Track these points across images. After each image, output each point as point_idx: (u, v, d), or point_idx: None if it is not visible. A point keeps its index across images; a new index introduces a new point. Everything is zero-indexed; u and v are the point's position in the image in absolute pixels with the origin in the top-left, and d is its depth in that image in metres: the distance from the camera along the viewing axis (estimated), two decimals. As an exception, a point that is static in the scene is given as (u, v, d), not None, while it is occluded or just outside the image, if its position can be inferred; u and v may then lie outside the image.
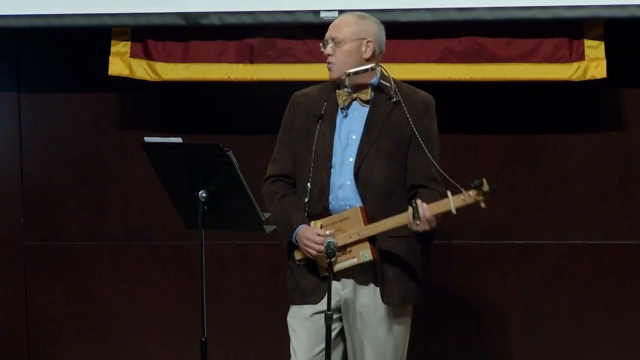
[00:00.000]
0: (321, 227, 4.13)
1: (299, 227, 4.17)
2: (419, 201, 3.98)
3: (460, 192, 3.94)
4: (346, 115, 4.21)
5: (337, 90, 4.20)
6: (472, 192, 3.94)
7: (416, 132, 4.11)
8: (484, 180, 3.93)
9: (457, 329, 5.47)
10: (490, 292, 5.44)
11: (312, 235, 4.12)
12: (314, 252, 4.13)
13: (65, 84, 5.59)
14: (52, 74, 5.60)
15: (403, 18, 5.04)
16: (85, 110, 5.60)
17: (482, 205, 3.96)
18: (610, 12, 4.95)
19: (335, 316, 4.16)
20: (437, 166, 4.14)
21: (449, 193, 3.96)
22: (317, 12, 5.06)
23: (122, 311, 5.63)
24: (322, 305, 4.13)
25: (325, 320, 4.00)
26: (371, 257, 4.10)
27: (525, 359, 5.44)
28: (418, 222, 3.98)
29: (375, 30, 4.21)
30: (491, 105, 5.38)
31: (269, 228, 4.16)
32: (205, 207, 4.04)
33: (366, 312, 4.19)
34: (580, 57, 5.07)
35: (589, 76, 5.07)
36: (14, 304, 5.68)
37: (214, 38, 5.25)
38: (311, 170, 4.18)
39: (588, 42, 5.07)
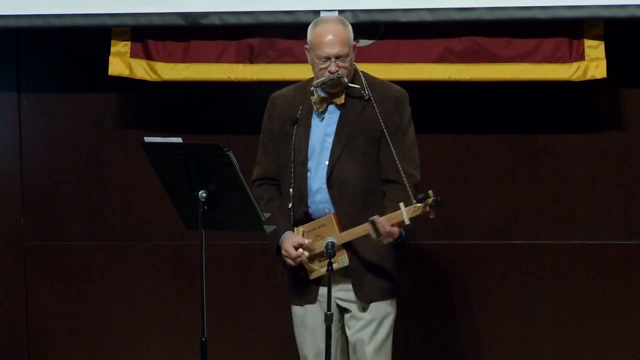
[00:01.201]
0: (303, 234, 4.19)
1: (282, 235, 4.23)
2: (376, 217, 4.05)
3: (411, 203, 4.03)
4: (322, 119, 4.23)
5: (311, 97, 4.22)
6: (419, 204, 4.02)
7: (385, 130, 4.15)
8: (430, 193, 4.01)
9: (457, 329, 5.46)
10: (490, 292, 5.44)
11: (289, 247, 4.19)
12: (290, 263, 4.21)
13: (65, 84, 5.59)
14: (52, 74, 5.60)
15: (403, 18, 5.04)
16: (85, 110, 5.59)
17: (431, 216, 4.05)
18: (610, 12, 4.95)
19: (336, 318, 4.24)
20: (412, 157, 4.21)
21: (401, 205, 4.04)
22: (317, 12, 5.06)
23: (122, 311, 5.63)
24: (319, 305, 4.22)
25: (325, 321, 4.03)
26: (347, 263, 4.18)
27: (525, 359, 5.44)
28: (381, 237, 4.04)
29: (352, 31, 4.25)
30: (491, 105, 5.38)
31: (269, 228, 4.17)
32: (205, 207, 4.04)
33: (352, 309, 4.26)
34: (580, 57, 5.07)
35: (589, 76, 5.07)
36: (14, 304, 5.68)
37: (214, 38, 5.25)
38: (292, 174, 4.20)
39: (588, 42, 5.06)
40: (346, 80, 4.19)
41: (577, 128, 5.35)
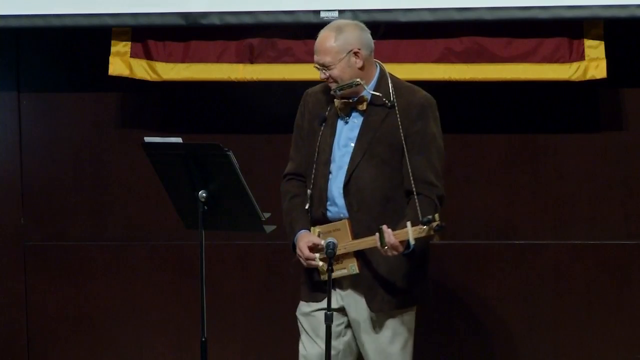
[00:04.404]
0: (319, 234, 4.15)
1: (298, 233, 4.19)
2: (384, 227, 4.00)
3: (418, 224, 3.96)
4: (347, 122, 4.21)
5: (335, 100, 4.19)
6: (424, 227, 3.96)
7: (403, 138, 4.08)
8: (436, 217, 3.93)
9: (457, 329, 5.46)
10: (490, 292, 5.44)
11: (303, 247, 4.14)
12: (302, 263, 4.17)
13: (65, 84, 5.59)
14: (52, 74, 5.60)
15: (403, 18, 5.04)
16: (85, 110, 5.59)
17: (436, 239, 4.00)
18: (610, 12, 4.95)
19: (341, 320, 4.23)
20: (436, 167, 4.12)
21: (408, 224, 3.96)
22: (317, 12, 5.06)
23: (122, 311, 5.63)
24: (325, 303, 4.15)
25: (325, 321, 4.02)
26: (357, 271, 4.13)
27: (525, 359, 5.44)
28: (386, 247, 4.01)
29: (357, 35, 4.15)
30: (491, 105, 5.38)
31: (269, 228, 4.16)
32: (205, 207, 4.04)
33: (364, 320, 4.21)
34: (580, 57, 5.07)
35: (589, 76, 5.07)
36: (14, 304, 5.68)
37: (214, 38, 5.25)
38: (313, 174, 4.19)
39: (588, 42, 5.06)
40: (345, 86, 4.15)
41: (577, 128, 5.35)
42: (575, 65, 5.07)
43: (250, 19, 5.13)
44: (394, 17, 5.04)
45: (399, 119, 4.11)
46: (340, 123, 4.21)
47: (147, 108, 5.57)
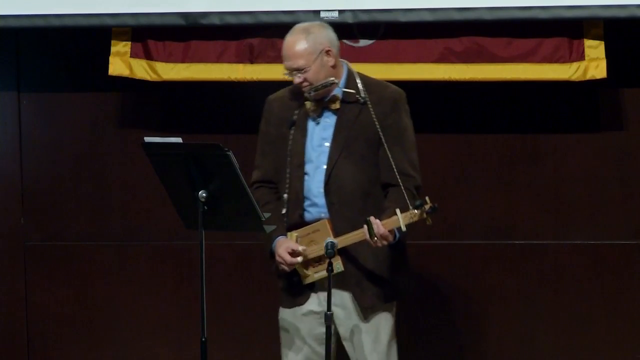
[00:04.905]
0: (297, 239, 4.17)
1: (276, 239, 4.21)
2: (372, 218, 4.03)
3: (408, 209, 4.01)
4: (318, 123, 4.22)
5: (305, 102, 4.20)
6: (416, 211, 4.00)
7: (380, 132, 4.12)
8: (427, 199, 3.99)
9: (457, 329, 5.46)
10: (490, 292, 5.44)
11: (284, 253, 4.17)
12: (285, 269, 4.20)
13: (65, 84, 5.59)
14: (52, 74, 5.60)
15: (403, 18, 5.04)
16: (85, 110, 5.59)
17: (428, 222, 4.03)
18: (610, 12, 4.95)
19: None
20: (411, 159, 4.18)
21: (397, 211, 4.01)
22: (317, 12, 5.06)
23: (122, 311, 5.63)
24: (309, 305, 4.23)
25: (326, 321, 4.03)
26: (342, 269, 4.14)
27: (525, 359, 5.44)
28: (375, 238, 4.03)
29: (325, 34, 4.18)
30: (491, 105, 5.38)
31: (269, 228, 4.16)
32: (205, 207, 4.04)
33: (350, 317, 4.23)
34: (580, 57, 5.07)
35: (589, 76, 5.07)
36: (14, 304, 5.68)
37: (214, 38, 5.25)
38: (287, 179, 4.20)
39: (588, 42, 5.07)
40: (319, 86, 4.15)
41: (577, 128, 5.35)
42: (575, 65, 5.07)
43: (250, 19, 5.13)
44: (394, 17, 5.04)
45: (372, 114, 4.14)
46: (311, 124, 4.23)
47: (147, 108, 5.57)
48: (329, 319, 4.01)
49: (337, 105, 4.19)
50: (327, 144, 4.19)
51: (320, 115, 4.22)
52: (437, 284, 5.46)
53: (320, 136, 4.22)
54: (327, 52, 4.15)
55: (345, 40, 5.15)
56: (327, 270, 4.05)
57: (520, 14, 4.99)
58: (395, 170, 4.10)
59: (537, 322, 5.42)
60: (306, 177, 4.20)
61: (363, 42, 5.16)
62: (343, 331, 4.27)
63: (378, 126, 4.13)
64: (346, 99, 4.19)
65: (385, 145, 4.12)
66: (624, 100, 5.31)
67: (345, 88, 4.19)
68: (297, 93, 4.25)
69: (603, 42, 5.05)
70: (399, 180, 4.10)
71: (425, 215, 3.99)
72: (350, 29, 5.14)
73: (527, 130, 5.38)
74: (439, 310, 5.44)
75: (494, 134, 5.40)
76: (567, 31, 5.08)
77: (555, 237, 5.40)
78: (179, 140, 4.03)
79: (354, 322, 4.23)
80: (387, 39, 5.16)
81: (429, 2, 5.02)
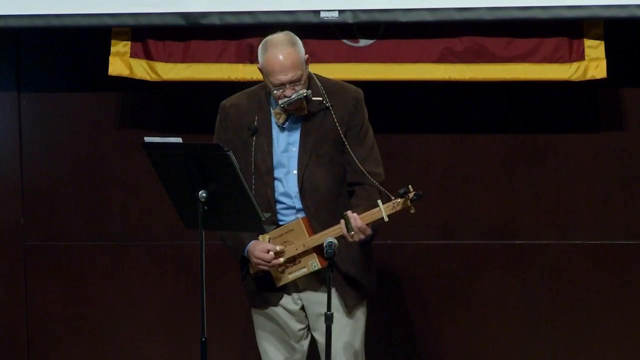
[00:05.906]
0: (269, 241, 4.20)
1: (249, 244, 4.23)
2: (349, 212, 4.07)
3: (390, 199, 4.05)
4: (282, 129, 4.23)
5: (272, 110, 4.22)
6: (400, 199, 4.02)
7: (343, 134, 4.17)
8: (410, 188, 4.03)
9: (457, 329, 5.46)
10: (490, 292, 5.44)
11: (260, 253, 4.19)
12: (265, 268, 4.22)
13: (65, 84, 5.59)
14: (52, 74, 5.60)
15: (403, 18, 5.04)
16: (85, 110, 5.59)
17: (412, 210, 4.07)
18: (610, 12, 4.95)
19: (302, 315, 4.31)
20: (375, 156, 4.23)
21: (379, 202, 4.05)
22: (317, 12, 5.06)
23: (122, 311, 5.63)
24: (284, 304, 4.29)
25: (325, 321, 4.03)
26: (319, 266, 4.18)
27: (525, 359, 5.44)
28: (352, 233, 4.05)
29: (301, 43, 4.21)
30: (491, 105, 5.38)
31: (269, 228, 4.17)
32: (205, 207, 4.04)
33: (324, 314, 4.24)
34: (580, 57, 5.07)
35: (589, 76, 5.07)
36: (14, 304, 5.68)
37: (214, 38, 5.25)
38: (252, 184, 4.20)
39: (588, 42, 5.07)
40: (308, 95, 4.16)
41: (577, 128, 5.35)
42: (575, 65, 5.07)
43: (250, 19, 5.13)
44: (394, 17, 5.04)
45: (334, 117, 4.17)
46: (275, 130, 4.24)
47: (147, 108, 5.57)
48: (328, 319, 4.01)
49: (304, 112, 4.20)
50: (295, 149, 4.22)
51: (285, 122, 4.22)
52: (437, 284, 5.46)
53: (286, 141, 4.24)
54: (307, 59, 4.20)
55: (345, 40, 5.16)
56: (328, 270, 4.04)
57: (520, 14, 4.99)
58: (362, 169, 4.16)
59: (537, 322, 5.42)
60: (277, 183, 4.23)
61: (363, 42, 5.16)
62: (315, 329, 4.31)
63: (341, 128, 4.18)
64: (312, 108, 4.21)
65: (350, 145, 4.17)
66: (624, 100, 5.31)
67: (308, 91, 4.19)
68: (253, 99, 4.26)
69: (603, 42, 5.05)
70: (366, 179, 4.16)
71: (409, 203, 4.01)
72: (350, 29, 5.14)
73: (527, 130, 5.38)
74: (439, 310, 5.44)
75: (494, 134, 5.40)
76: (567, 31, 5.08)
77: (555, 237, 5.40)
78: (179, 140, 4.03)
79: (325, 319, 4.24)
80: (387, 39, 5.16)
81: (429, 2, 5.02)
